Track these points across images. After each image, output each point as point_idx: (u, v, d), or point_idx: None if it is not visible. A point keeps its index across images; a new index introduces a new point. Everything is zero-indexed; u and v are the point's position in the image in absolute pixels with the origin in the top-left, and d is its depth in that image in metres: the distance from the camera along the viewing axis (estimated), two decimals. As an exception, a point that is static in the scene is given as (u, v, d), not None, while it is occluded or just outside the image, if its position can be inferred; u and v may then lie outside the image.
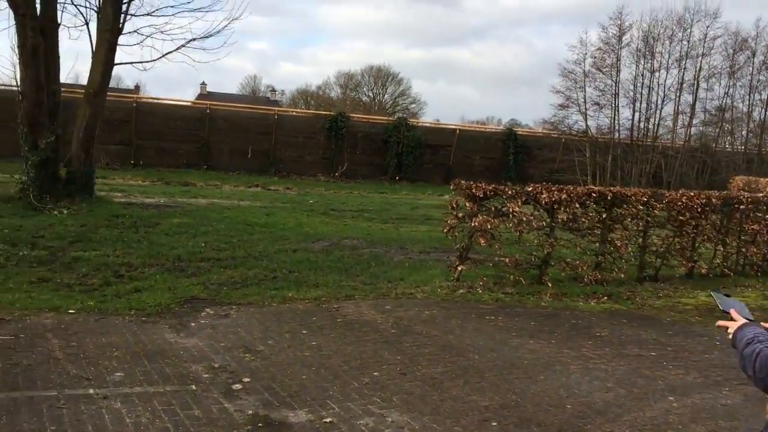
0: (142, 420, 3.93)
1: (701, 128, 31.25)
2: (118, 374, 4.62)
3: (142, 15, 13.29)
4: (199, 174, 23.75)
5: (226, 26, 13.79)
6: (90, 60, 12.87)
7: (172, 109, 26.69)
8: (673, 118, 29.40)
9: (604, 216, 8.72)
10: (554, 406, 4.55)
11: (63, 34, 13.11)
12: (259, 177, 24.69)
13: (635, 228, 9.13)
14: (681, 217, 9.21)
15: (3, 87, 25.37)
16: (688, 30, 27.89)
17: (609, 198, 8.65)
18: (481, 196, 7.93)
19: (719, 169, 28.10)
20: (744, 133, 31.38)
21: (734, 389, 5.10)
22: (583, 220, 8.59)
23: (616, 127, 29.28)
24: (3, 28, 25.33)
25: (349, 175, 27.00)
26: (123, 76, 58.84)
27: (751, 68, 28.88)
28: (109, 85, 23.78)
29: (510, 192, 8.03)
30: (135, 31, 13.23)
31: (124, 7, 12.77)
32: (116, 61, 13.06)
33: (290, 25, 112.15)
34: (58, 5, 12.35)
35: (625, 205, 8.85)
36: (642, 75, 28.55)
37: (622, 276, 8.98)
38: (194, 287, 7.30)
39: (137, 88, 48.13)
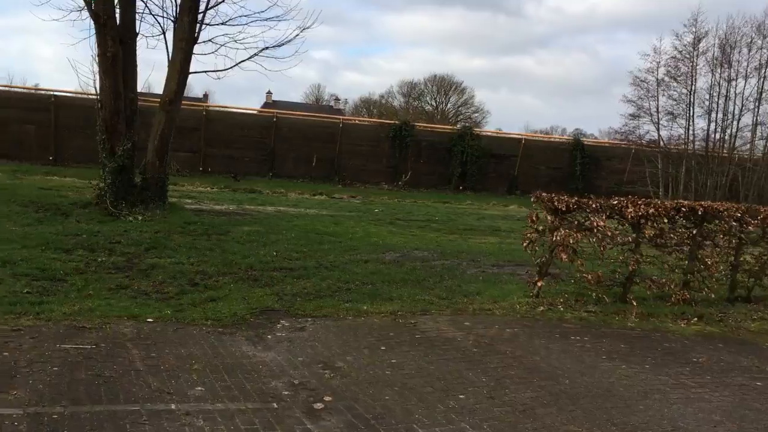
0: (225, 439, 3.80)
1: (782, 140, 29.70)
2: (199, 389, 4.51)
3: (217, 24, 13.48)
4: (264, 181, 24.03)
5: (297, 35, 13.83)
6: (166, 69, 13.10)
7: (239, 118, 27.15)
8: (752, 129, 28.03)
9: (693, 232, 8.23)
10: (658, 440, 4.20)
11: (141, 44, 13.37)
12: (323, 185, 24.83)
13: (727, 245, 8.58)
14: (777, 235, 8.61)
15: (77, 95, 26.36)
16: (768, 37, 26.58)
17: (699, 213, 8.16)
18: (564, 209, 7.58)
19: (800, 184, 26.63)
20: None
21: None
22: (671, 235, 8.13)
23: (690, 138, 28.14)
24: (84, 37, 26.26)
25: (412, 184, 26.87)
26: (192, 84, 60.28)
27: (836, 77, 27.28)
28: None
29: (594, 205, 7.66)
30: (210, 41, 13.43)
31: (199, 17, 12.97)
32: (191, 70, 13.24)
33: (353, 34, 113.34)
34: (136, 15, 12.63)
35: (716, 221, 8.33)
36: (719, 84, 27.35)
37: (712, 296, 8.45)
38: (268, 298, 7.20)
39: (206, 96, 49.33)
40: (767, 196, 25.45)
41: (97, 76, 12.13)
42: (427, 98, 62.93)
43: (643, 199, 8.14)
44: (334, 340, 5.91)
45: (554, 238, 7.52)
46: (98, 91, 12.21)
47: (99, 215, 11.56)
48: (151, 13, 13.56)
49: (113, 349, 5.14)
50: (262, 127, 26.14)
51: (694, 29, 26.57)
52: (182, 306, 6.64)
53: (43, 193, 14.49)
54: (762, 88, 27.11)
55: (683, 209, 8.09)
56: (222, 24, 13.46)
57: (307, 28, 13.80)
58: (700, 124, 27.97)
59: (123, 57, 12.12)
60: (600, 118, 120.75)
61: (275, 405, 4.36)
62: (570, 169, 28.91)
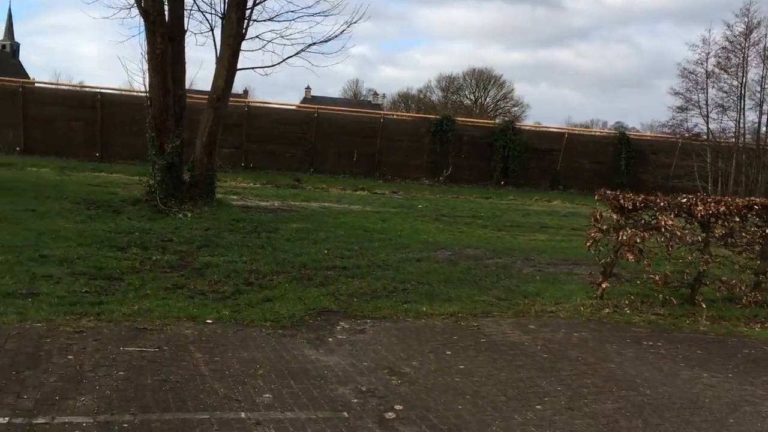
0: (299, 451, 3.65)
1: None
2: (267, 396, 4.37)
3: (264, 20, 13.40)
4: (305, 177, 23.97)
5: (344, 30, 13.66)
6: (202, 66, 13.08)
7: (280, 113, 27.17)
8: (805, 123, 27.02)
9: (766, 231, 7.82)
10: (755, 458, 3.92)
11: (189, 41, 13.37)
12: (364, 180, 24.68)
13: (801, 245, 8.15)
14: None
15: (122, 92, 26.71)
16: (823, 28, 25.54)
17: (773, 211, 7.75)
18: (630, 207, 7.27)
19: None
20: None
21: None
22: (743, 234, 7.74)
23: (741, 131, 27.24)
24: (131, 35, 26.53)
25: (453, 179, 26.58)
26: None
27: None
28: (207, 90, 24.55)
29: (662, 203, 7.33)
30: (257, 37, 13.37)
31: (247, 13, 12.89)
32: (238, 66, 13.19)
33: (390, 28, 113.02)
34: (185, 12, 12.61)
35: (791, 219, 7.91)
36: (771, 75, 26.38)
37: (785, 298, 8.03)
38: (324, 298, 7.06)
39: (246, 92, 49.63)
40: (821, 191, 24.50)
41: (146, 74, 12.14)
42: (466, 92, 62.38)
43: (713, 197, 7.77)
44: (397, 344, 5.72)
45: (620, 238, 7.21)
46: (147, 89, 12.22)
47: (149, 212, 11.58)
48: (199, 10, 13.55)
49: (176, 353, 5.04)
50: (303, 122, 26.10)
51: (746, 19, 25.68)
52: (239, 306, 6.53)
53: (92, 189, 14.62)
54: (816, 81, 26.10)
55: (756, 207, 7.69)
56: (269, 20, 13.40)
57: (354, 23, 13.66)
58: (751, 116, 27.10)
59: (172, 54, 12.11)
60: (642, 111, 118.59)
61: (346, 414, 4.20)
62: (614, 163, 28.27)
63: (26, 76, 53.03)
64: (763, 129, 26.83)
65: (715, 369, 5.54)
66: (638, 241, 7.18)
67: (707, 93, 27.11)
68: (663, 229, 7.24)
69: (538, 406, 4.49)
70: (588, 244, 7.54)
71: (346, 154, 26.02)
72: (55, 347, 4.91)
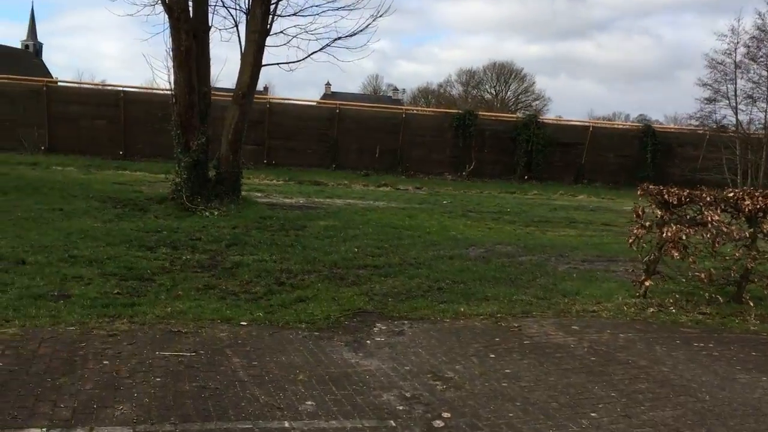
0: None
1: None
2: (309, 403, 4.20)
3: (288, 15, 13.25)
4: (327, 173, 23.91)
5: (370, 24, 13.46)
6: (238, 62, 12.95)
7: (302, 110, 27.08)
8: (837, 114, 26.32)
9: (817, 226, 7.49)
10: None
11: (214, 37, 13.27)
12: (386, 176, 24.54)
13: None
14: None
15: (145, 90, 26.76)
16: None
17: (824, 205, 7.42)
18: (675, 202, 7.01)
19: None
20: None
21: None
22: (792, 230, 7.42)
23: (772, 123, 26.62)
24: (157, 32, 26.64)
25: (476, 174, 26.35)
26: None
27: None
28: (229, 87, 24.44)
29: (708, 198, 7.04)
30: (281, 32, 13.22)
31: (271, 8, 12.74)
32: (263, 62, 13.04)
33: (408, 23, 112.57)
34: (209, 8, 12.50)
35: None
36: (803, 65, 25.73)
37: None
38: (358, 298, 6.88)
39: (266, 89, 49.63)
40: None
41: (171, 71, 12.05)
42: (486, 86, 61.92)
43: (761, 191, 7.45)
44: (438, 347, 5.53)
45: (665, 234, 6.95)
46: (172, 86, 12.13)
47: (176, 210, 11.50)
48: (224, 5, 13.44)
49: (213, 357, 4.88)
50: (324, 118, 25.98)
51: (779, 7, 25.07)
52: (273, 307, 6.38)
53: (118, 188, 14.60)
54: None
55: (806, 201, 7.36)
56: (293, 15, 13.25)
57: (380, 16, 13.44)
58: (782, 107, 26.45)
59: (196, 50, 11.99)
60: (665, 103, 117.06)
61: (393, 423, 4.01)
62: (640, 156, 27.84)
63: (49, 75, 53.58)
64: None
65: (773, 372, 5.27)
66: (683, 237, 6.90)
67: (736, 84, 26.53)
68: (709, 225, 6.95)
69: (592, 414, 4.27)
70: (630, 241, 7.28)
71: (368, 150, 25.88)
72: (89, 352, 4.78)
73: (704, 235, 7.05)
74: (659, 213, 7.10)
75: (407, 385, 4.64)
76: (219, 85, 22.36)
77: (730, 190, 7.35)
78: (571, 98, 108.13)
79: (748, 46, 25.99)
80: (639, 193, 7.36)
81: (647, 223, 7.21)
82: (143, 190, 14.39)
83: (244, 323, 5.82)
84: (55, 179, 15.32)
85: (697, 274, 7.16)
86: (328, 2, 13.45)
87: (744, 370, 5.27)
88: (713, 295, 7.23)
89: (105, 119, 23.36)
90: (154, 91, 24.26)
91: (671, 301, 7.20)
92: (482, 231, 12.57)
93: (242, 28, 13.08)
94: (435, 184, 23.61)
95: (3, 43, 65.32)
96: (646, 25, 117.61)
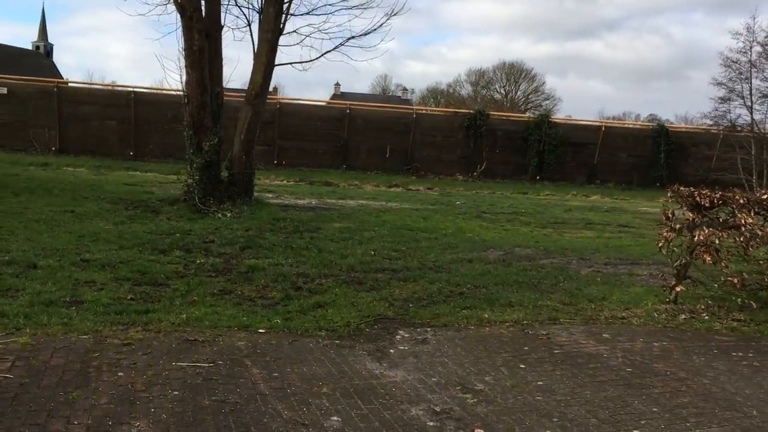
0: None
1: None
2: (335, 419, 3.98)
3: (302, 14, 13.05)
4: (338, 174, 23.73)
5: (384, 23, 13.23)
6: (249, 62, 12.76)
7: (312, 110, 26.87)
8: None
9: None
10: None
11: (226, 37, 13.06)
12: (396, 176, 24.34)
13: None
14: None
15: (155, 91, 26.63)
16: None
17: None
18: (707, 205, 6.75)
19: None
20: None
21: None
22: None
23: (789, 122, 26.22)
24: (169, 31, 26.54)
25: (487, 174, 26.10)
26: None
27: None
28: (242, 88, 24.28)
29: (741, 201, 6.78)
30: (294, 31, 13.04)
31: (284, 7, 12.54)
32: (276, 62, 12.84)
33: (416, 23, 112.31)
34: (221, 7, 12.30)
35: None
36: (819, 65, 25.31)
37: None
38: (378, 304, 6.66)
39: (275, 90, 49.46)
40: None
41: (183, 71, 11.86)
42: (496, 86, 61.56)
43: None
44: (465, 356, 5.30)
45: (697, 238, 6.69)
46: (184, 86, 11.94)
47: (188, 212, 11.31)
48: (236, 4, 13.27)
49: (232, 368, 4.67)
50: (335, 119, 25.77)
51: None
52: (291, 314, 6.17)
53: (129, 189, 14.44)
54: None
55: (843, 203, 7.09)
56: (307, 14, 13.06)
57: (395, 14, 13.22)
58: (798, 107, 26.06)
59: (209, 50, 11.81)
60: (675, 103, 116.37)
61: (424, 440, 3.79)
62: (653, 156, 27.52)
63: (60, 76, 53.68)
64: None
65: (819, 384, 5.01)
66: (717, 241, 6.64)
67: (751, 83, 26.13)
68: (742, 228, 6.69)
69: (635, 431, 4.03)
70: (660, 244, 7.02)
71: (378, 150, 25.68)
72: (103, 363, 4.57)
73: (737, 239, 6.79)
74: (690, 216, 6.84)
75: (436, 399, 4.41)
76: (230, 85, 22.29)
77: (764, 191, 7.08)
78: (580, 98, 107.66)
79: (764, 45, 25.62)
80: (669, 195, 7.10)
81: (677, 226, 6.94)
82: (154, 192, 14.22)
83: (262, 331, 5.61)
84: (66, 180, 15.18)
85: (729, 278, 6.89)
86: (341, 1, 13.27)
87: (789, 383, 5.02)
88: (746, 301, 6.96)
89: (115, 120, 23.25)
90: (165, 91, 24.12)
91: (703, 307, 6.94)
92: (499, 233, 12.33)
93: (255, 27, 12.91)
94: (446, 185, 23.38)
95: (14, 44, 65.58)
96: (655, 24, 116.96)
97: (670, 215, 7.02)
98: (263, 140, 23.93)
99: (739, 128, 26.31)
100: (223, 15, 12.42)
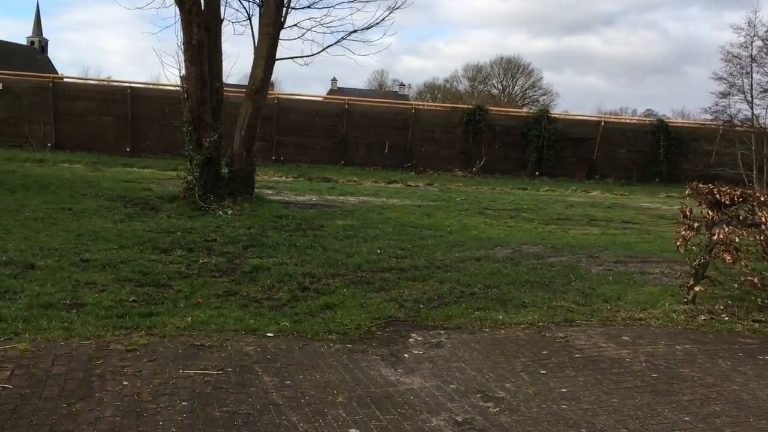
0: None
1: None
2: (353, 431, 3.77)
3: (303, 8, 12.80)
4: (336, 170, 23.53)
5: (386, 16, 12.99)
6: (249, 57, 12.51)
7: (310, 106, 26.62)
8: None
9: None
10: None
11: (226, 30, 12.80)
12: (395, 172, 24.15)
13: None
14: None
15: (152, 86, 26.31)
16: None
17: None
18: (727, 202, 6.56)
19: None
20: None
21: None
22: None
23: (789, 117, 26.08)
24: (167, 25, 26.25)
25: (486, 170, 25.92)
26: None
27: None
28: (239, 83, 23.94)
29: (762, 198, 6.59)
30: (295, 25, 12.77)
31: (285, 0, 12.28)
32: (277, 56, 12.59)
33: (413, 18, 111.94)
34: (221, 0, 12.04)
35: None
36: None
37: None
38: (388, 305, 6.45)
39: (272, 85, 49.14)
40: None
41: (183, 65, 11.61)
42: (494, 81, 61.30)
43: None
44: (482, 361, 5.10)
45: (717, 236, 6.50)
46: (183, 81, 11.69)
47: (188, 210, 11.08)
48: (237, -3, 12.96)
49: (242, 376, 4.46)
50: (333, 114, 25.52)
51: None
52: (299, 316, 5.96)
53: (127, 186, 14.19)
54: None
55: None
56: (308, 7, 12.80)
57: (398, 8, 12.97)
58: (799, 102, 25.92)
59: (208, 44, 11.55)
60: (671, 98, 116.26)
61: (449, 454, 3.59)
62: (653, 152, 27.39)
63: (55, 71, 53.22)
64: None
65: None
66: (737, 239, 6.45)
67: (752, 78, 25.98)
68: (763, 226, 6.50)
69: (669, 442, 3.84)
70: (677, 243, 6.83)
71: (377, 146, 25.46)
72: (107, 371, 4.36)
73: (757, 237, 6.60)
74: (710, 213, 6.65)
75: (456, 408, 4.21)
76: (228, 81, 22.00)
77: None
78: (576, 93, 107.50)
79: (765, 40, 25.44)
80: (687, 192, 6.90)
81: (695, 225, 6.75)
82: (153, 188, 13.97)
83: (271, 334, 5.39)
84: (63, 177, 14.91)
85: (749, 278, 6.71)
86: (344, -6, 12.97)
87: (820, 388, 4.83)
88: (766, 301, 6.78)
89: (112, 115, 22.95)
90: (161, 86, 23.84)
91: (721, 307, 6.76)
92: (503, 230, 12.14)
93: (255, 21, 12.65)
94: (445, 181, 23.19)
95: (8, 40, 65.02)
96: (652, 18, 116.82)
97: (687, 213, 6.83)
98: (261, 136, 23.50)
99: (739, 123, 26.17)
100: (222, 8, 12.20)
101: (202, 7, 11.56)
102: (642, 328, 6.18)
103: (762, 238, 6.57)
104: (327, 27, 12.86)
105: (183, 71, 11.66)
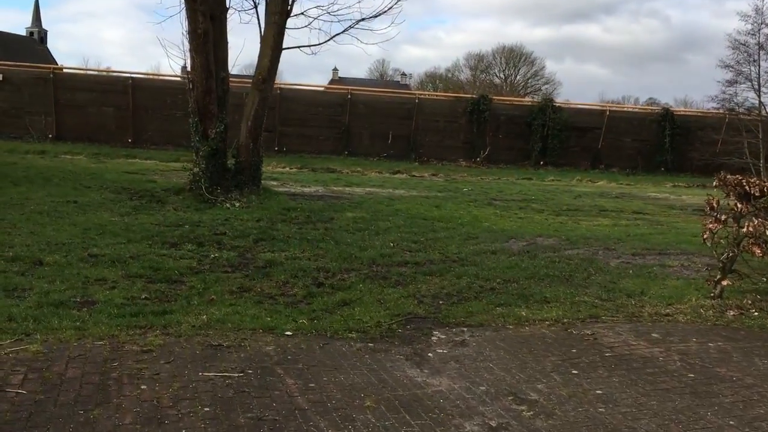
0: None
1: None
2: (386, 438, 3.59)
3: (310, -5, 12.50)
4: (340, 160, 23.33)
5: (394, 4, 12.73)
6: (249, 46, 12.26)
7: (313, 96, 26.38)
8: None
9: None
10: None
11: (232, 19, 12.53)
12: (399, 162, 23.95)
13: None
14: None
15: (154, 77, 26.05)
16: None
17: None
18: (757, 194, 6.35)
19: None
20: None
21: None
22: None
23: (797, 106, 25.84)
24: (171, 14, 25.83)
25: (490, 160, 25.72)
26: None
27: None
28: (242, 74, 23.61)
29: (792, 189, 6.38)
30: (302, 13, 12.54)
31: (293, -12, 12.04)
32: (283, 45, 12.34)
33: (413, 7, 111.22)
34: (227, -13, 11.78)
35: None
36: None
37: None
38: (406, 301, 6.27)
39: (273, 74, 48.81)
40: None
41: (187, 55, 11.37)
42: (495, 71, 60.87)
43: None
44: (510, 360, 4.92)
45: (747, 229, 6.30)
46: (189, 71, 11.45)
47: (194, 202, 10.88)
48: (242, -15, 12.69)
49: (264, 378, 4.27)
50: (336, 104, 25.29)
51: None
52: (316, 313, 5.78)
53: (131, 177, 13.98)
54: None
55: None
56: (315, -6, 12.47)
57: (405, -5, 12.66)
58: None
59: (214, 33, 11.31)
60: (673, 86, 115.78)
61: (487, 462, 3.41)
62: (658, 140, 27.17)
63: (54, 62, 52.83)
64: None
65: None
66: (766, 232, 6.26)
67: (759, 65, 25.73)
68: (794, 219, 6.31)
69: (716, 448, 3.66)
70: (704, 236, 6.63)
71: (380, 136, 25.25)
72: (124, 374, 4.17)
73: (786, 230, 6.40)
74: (738, 205, 6.45)
75: (489, 411, 4.03)
76: (232, 71, 21.72)
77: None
78: (577, 82, 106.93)
79: (774, 27, 25.15)
80: (715, 183, 6.70)
81: (723, 217, 6.55)
82: (157, 180, 13.76)
83: (289, 333, 5.21)
84: (66, 168, 14.70)
85: (777, 272, 6.52)
86: (351, -19, 12.69)
87: None
88: (793, 296, 6.60)
89: (113, 106, 22.70)
90: (163, 77, 23.60)
91: (750, 302, 6.57)
92: (514, 221, 11.96)
93: (262, 9, 12.40)
94: (450, 171, 22.99)
95: (8, 31, 64.53)
96: (653, 6, 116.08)
97: (714, 205, 6.63)
98: (264, 126, 23.44)
99: (745, 112, 25.94)
100: (229, -4, 11.91)
101: (208, -5, 11.31)
102: (670, 324, 6.00)
103: (792, 230, 6.36)
104: (334, 15, 12.60)
105: (188, 61, 11.42)
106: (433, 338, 5.36)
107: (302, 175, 18.65)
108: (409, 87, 55.64)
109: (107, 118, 22.68)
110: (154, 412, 3.69)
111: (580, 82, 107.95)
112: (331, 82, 53.10)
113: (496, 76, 60.35)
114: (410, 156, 25.27)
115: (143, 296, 5.84)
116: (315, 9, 12.66)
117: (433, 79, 62.72)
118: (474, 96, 27.81)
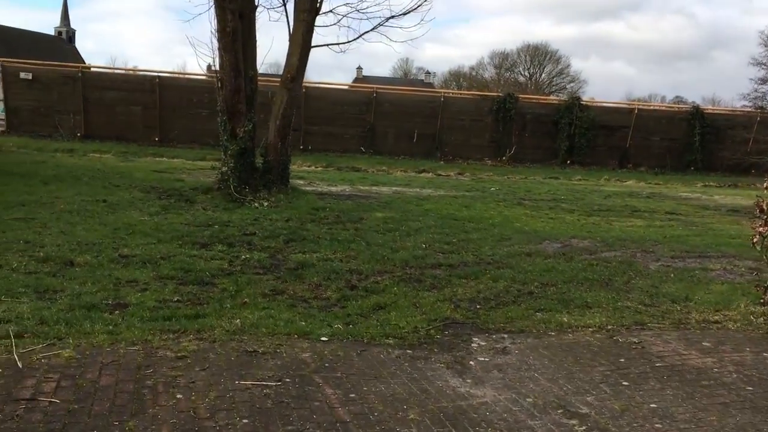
0: None
1: None
2: (434, 454, 3.41)
3: (339, -7, 12.36)
4: (365, 159, 23.18)
5: (424, 1, 12.53)
6: (276, 45, 12.14)
7: (338, 94, 26.27)
8: None
9: None
10: None
11: (261, 17, 12.44)
12: (424, 161, 23.75)
13: None
14: None
15: (180, 75, 26.13)
16: None
17: None
18: (812, 196, 6.06)
19: None
20: None
21: None
22: None
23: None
24: (200, 12, 25.76)
25: (517, 159, 25.40)
26: (282, 62, 60.12)
27: None
28: (268, 72, 23.51)
29: None
30: (331, 11, 12.38)
31: (321, -15, 11.91)
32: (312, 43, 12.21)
33: (436, 5, 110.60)
34: (256, -14, 11.68)
35: None
36: None
37: None
38: (443, 305, 6.08)
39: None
40: None
41: (216, 54, 11.27)
42: (520, 69, 60.33)
43: None
44: (554, 369, 4.71)
45: (800, 234, 6.02)
46: (218, 70, 11.37)
47: (223, 201, 10.79)
48: (271, -18, 12.58)
49: (302, 388, 4.12)
50: (361, 103, 25.13)
51: None
52: (351, 317, 5.62)
53: (159, 176, 13.96)
54: None
55: None
56: (344, -8, 12.32)
57: (436, -9, 12.49)
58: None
59: (243, 31, 11.21)
60: (700, 84, 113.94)
61: (542, 482, 3.21)
62: (687, 139, 26.63)
63: (82, 61, 53.46)
64: None
65: None
66: (822, 237, 5.97)
67: (793, 62, 25.17)
68: None
69: (785, 470, 3.43)
70: (754, 240, 6.34)
71: (405, 135, 25.07)
72: (159, 381, 4.04)
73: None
74: (791, 208, 6.16)
75: (539, 426, 3.83)
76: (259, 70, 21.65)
77: None
78: (603, 80, 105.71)
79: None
80: (765, 185, 6.41)
81: (773, 220, 6.26)
82: (185, 179, 13.72)
83: (325, 339, 5.05)
84: (95, 167, 14.73)
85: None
86: (380, -22, 12.54)
87: None
88: None
89: (140, 105, 22.79)
90: (189, 76, 23.64)
91: (802, 309, 6.27)
92: (546, 222, 11.71)
93: (290, 7, 12.28)
94: (476, 170, 22.72)
95: (37, 30, 65.40)
96: (679, 4, 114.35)
97: (765, 207, 6.34)
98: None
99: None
100: (257, -6, 11.80)
101: (236, -7, 11.21)
102: (721, 332, 5.74)
103: None
104: (363, 13, 12.44)
105: (216, 60, 11.33)
106: (473, 345, 5.17)
107: (328, 174, 18.53)
108: (433, 85, 55.38)
109: (134, 117, 22.78)
110: (191, 423, 3.55)
111: (606, 81, 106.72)
112: (355, 80, 52.99)
113: (521, 74, 59.87)
114: (435, 155, 25.06)
115: (175, 299, 5.73)
116: (344, 7, 12.52)
117: (457, 77, 62.40)
118: (500, 94, 27.52)
